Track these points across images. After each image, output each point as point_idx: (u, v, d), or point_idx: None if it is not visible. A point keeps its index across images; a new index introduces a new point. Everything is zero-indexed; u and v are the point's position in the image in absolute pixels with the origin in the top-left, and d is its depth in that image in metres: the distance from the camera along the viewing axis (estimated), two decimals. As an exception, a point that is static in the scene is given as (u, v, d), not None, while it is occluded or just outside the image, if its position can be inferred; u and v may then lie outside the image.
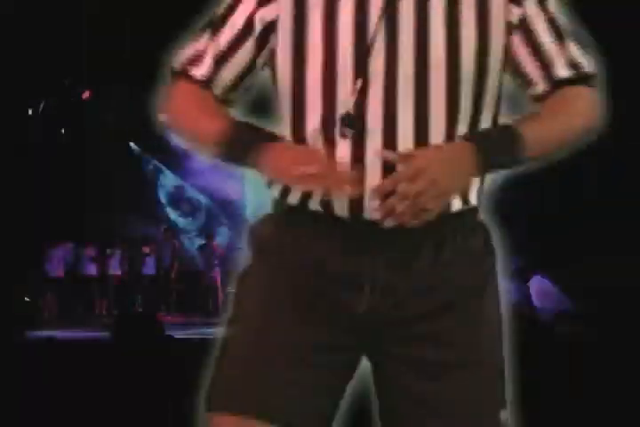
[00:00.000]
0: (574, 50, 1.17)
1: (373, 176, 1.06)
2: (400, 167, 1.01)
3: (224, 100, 1.21)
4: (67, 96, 9.73)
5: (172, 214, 12.16)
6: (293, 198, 1.14)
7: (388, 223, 1.05)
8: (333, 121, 1.07)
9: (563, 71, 1.15)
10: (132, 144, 12.03)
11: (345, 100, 1.06)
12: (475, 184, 1.14)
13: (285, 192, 1.15)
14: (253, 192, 11.37)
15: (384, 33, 1.07)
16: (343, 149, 1.08)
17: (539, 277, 8.98)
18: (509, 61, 1.13)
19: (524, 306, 8.98)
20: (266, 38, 1.14)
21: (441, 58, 1.07)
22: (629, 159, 8.16)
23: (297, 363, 1.11)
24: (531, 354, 4.09)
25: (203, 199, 12.10)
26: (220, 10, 1.18)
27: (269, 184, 1.19)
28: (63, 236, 10.18)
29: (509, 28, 1.11)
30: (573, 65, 1.15)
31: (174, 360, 4.52)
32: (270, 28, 1.13)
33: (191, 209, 12.17)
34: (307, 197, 1.12)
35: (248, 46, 1.16)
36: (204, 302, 10.69)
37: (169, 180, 12.19)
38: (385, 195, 1.00)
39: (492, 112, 1.14)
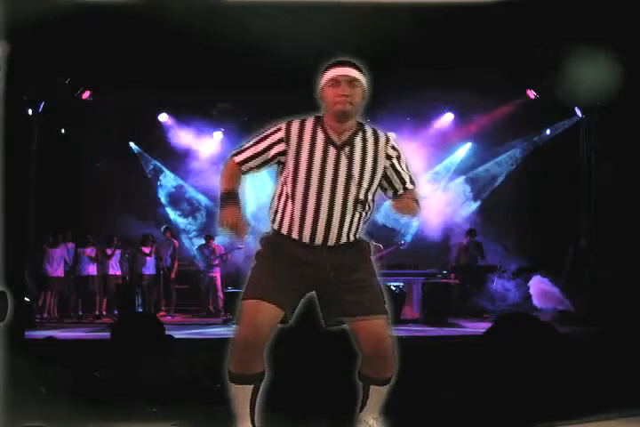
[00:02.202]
0: (412, 175, 2.87)
1: (321, 227, 2.71)
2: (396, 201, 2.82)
3: (245, 172, 2.90)
4: (67, 96, 9.73)
5: (172, 214, 12.16)
6: (284, 231, 2.78)
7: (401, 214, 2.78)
8: (307, 200, 2.73)
9: (410, 186, 2.86)
10: (131, 144, 12.03)
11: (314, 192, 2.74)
12: (361, 229, 2.82)
13: (280, 227, 2.79)
14: (253, 192, 11.38)
15: (333, 167, 2.72)
16: (311, 211, 2.73)
17: (539, 277, 8.99)
18: (383, 179, 2.82)
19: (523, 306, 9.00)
20: (276, 156, 2.80)
21: (356, 177, 2.72)
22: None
23: (284, 285, 2.71)
24: (531, 354, 4.09)
25: (203, 199, 12.09)
26: (258, 137, 2.85)
27: (272, 221, 2.84)
28: (63, 236, 10.17)
29: (385, 166, 2.80)
30: (413, 184, 2.87)
31: (174, 360, 4.52)
32: (282, 153, 2.78)
33: (191, 209, 12.17)
34: (289, 232, 2.76)
35: (261, 158, 2.84)
36: (203, 302, 10.69)
37: (169, 180, 12.18)
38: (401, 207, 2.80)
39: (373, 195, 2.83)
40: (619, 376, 4.11)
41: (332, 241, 2.73)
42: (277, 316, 2.68)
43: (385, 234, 10.89)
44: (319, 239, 2.72)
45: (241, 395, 2.72)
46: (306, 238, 2.73)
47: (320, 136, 2.74)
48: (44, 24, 6.07)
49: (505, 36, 7.49)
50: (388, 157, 2.79)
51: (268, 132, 2.81)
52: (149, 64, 8.35)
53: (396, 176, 2.82)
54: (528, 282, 9.06)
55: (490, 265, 10.21)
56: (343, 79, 2.71)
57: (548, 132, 11.13)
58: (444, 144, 11.48)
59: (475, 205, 11.51)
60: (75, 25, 6.67)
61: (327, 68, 2.79)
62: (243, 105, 10.66)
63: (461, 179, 11.71)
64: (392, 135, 2.84)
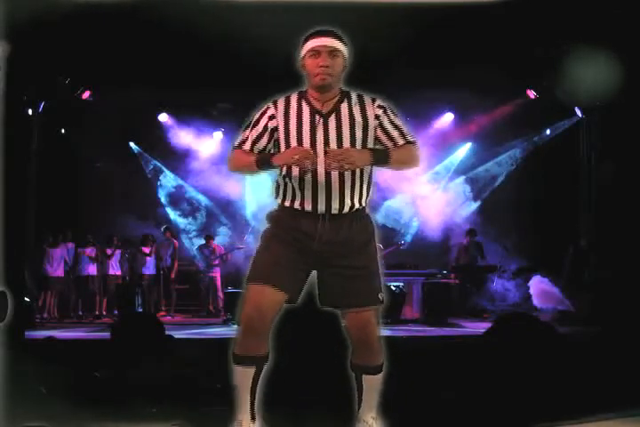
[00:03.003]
0: (403, 130, 2.84)
1: (321, 193, 2.73)
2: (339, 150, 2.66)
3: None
4: (67, 96, 9.73)
5: (172, 214, 12.16)
6: (287, 202, 2.81)
7: (330, 169, 2.65)
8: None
9: (401, 141, 2.83)
10: (131, 144, 12.03)
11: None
12: (365, 196, 2.80)
13: (283, 199, 2.82)
14: (253, 192, 11.38)
15: (322, 135, 2.73)
16: (309, 179, 2.72)
17: (539, 277, 8.99)
18: (376, 140, 2.81)
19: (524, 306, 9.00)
20: (273, 133, 2.80)
21: (347, 142, 2.74)
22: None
23: (288, 266, 2.72)
24: (531, 354, 4.09)
25: (203, 199, 12.09)
26: (251, 122, 2.84)
27: (276, 195, 2.85)
28: (63, 236, 10.17)
29: (375, 126, 2.79)
30: (405, 138, 2.83)
31: (174, 360, 4.52)
32: (275, 129, 2.79)
33: (191, 209, 12.17)
34: (292, 203, 2.78)
35: (266, 136, 2.82)
36: (203, 302, 10.69)
37: (169, 180, 12.18)
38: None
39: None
40: (618, 376, 4.10)
41: (335, 209, 2.73)
42: (282, 299, 2.71)
43: (385, 234, 10.89)
44: (321, 207, 2.72)
45: (243, 377, 2.73)
46: (308, 206, 2.73)
47: (305, 108, 2.76)
48: (44, 24, 6.07)
49: (505, 36, 7.49)
50: (376, 117, 2.78)
51: (259, 113, 2.83)
52: (149, 64, 8.35)
53: (384, 135, 2.80)
54: (528, 282, 9.07)
55: (490, 265, 10.21)
56: (324, 49, 2.71)
57: (548, 132, 11.13)
58: (444, 144, 11.47)
59: (475, 205, 11.51)
60: (75, 25, 6.67)
61: (307, 38, 2.77)
62: (243, 105, 10.63)
63: (461, 179, 11.71)
64: (378, 98, 2.84)
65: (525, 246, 10.18)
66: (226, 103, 11.02)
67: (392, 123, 2.82)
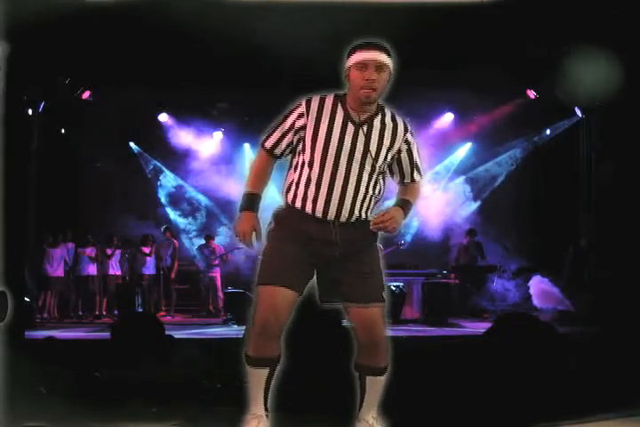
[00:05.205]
0: (419, 168, 2.93)
1: (334, 201, 2.73)
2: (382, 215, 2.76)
3: (277, 156, 2.88)
4: (67, 96, 9.73)
5: (172, 214, 12.16)
6: (297, 204, 2.78)
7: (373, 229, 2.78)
8: (322, 172, 2.74)
9: (417, 177, 2.94)
10: (131, 144, 12.04)
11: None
12: (372, 208, 2.84)
13: (294, 199, 2.79)
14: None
15: (350, 142, 2.73)
16: (326, 183, 2.74)
17: (539, 277, 8.99)
18: (395, 163, 2.88)
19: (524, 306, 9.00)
20: (299, 131, 2.78)
21: (373, 155, 2.75)
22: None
23: (296, 265, 2.74)
24: (531, 354, 4.09)
25: (203, 199, 12.09)
26: (280, 118, 2.82)
27: (286, 193, 2.83)
28: (63, 236, 10.17)
29: (396, 152, 2.84)
30: (418, 176, 2.93)
31: (174, 360, 4.52)
32: (302, 127, 2.77)
33: (191, 209, 12.17)
34: (303, 206, 2.76)
35: (290, 136, 2.81)
36: (203, 302, 10.70)
37: (169, 180, 12.18)
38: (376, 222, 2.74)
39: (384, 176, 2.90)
40: (618, 376, 4.11)
41: (344, 217, 2.74)
42: (295, 299, 2.72)
43: (385, 234, 10.89)
44: (332, 214, 2.73)
45: (257, 378, 2.75)
46: (319, 212, 2.73)
47: (340, 113, 2.74)
48: (45, 24, 6.07)
49: (505, 36, 7.49)
50: (406, 142, 2.82)
51: (289, 109, 2.81)
52: (149, 64, 8.35)
53: (408, 162, 2.86)
54: (528, 282, 9.06)
55: (490, 265, 10.21)
56: (372, 63, 2.69)
57: (548, 132, 11.13)
58: (444, 144, 11.48)
59: (475, 205, 11.52)
60: (75, 25, 6.68)
61: (355, 49, 2.74)
62: (243, 105, 10.66)
63: (461, 179, 11.71)
64: (408, 124, 2.87)
65: (525, 246, 10.18)
66: (226, 103, 11.02)
67: (412, 158, 2.87)
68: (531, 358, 4.03)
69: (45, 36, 6.90)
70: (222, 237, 11.41)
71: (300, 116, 2.76)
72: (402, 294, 8.92)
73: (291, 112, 2.80)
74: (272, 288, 2.70)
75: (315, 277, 2.81)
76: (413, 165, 2.89)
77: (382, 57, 2.72)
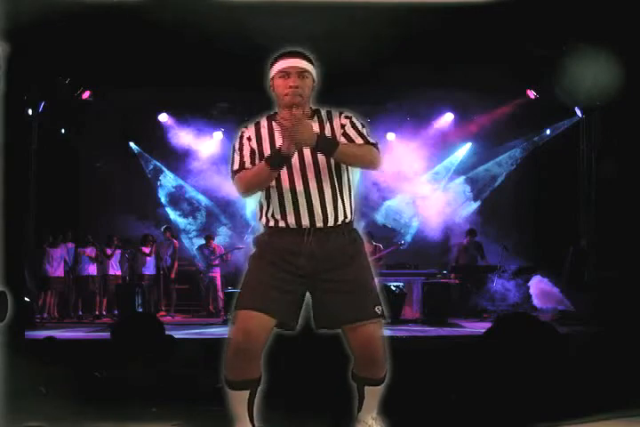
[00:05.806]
0: (365, 135, 2.79)
1: (302, 207, 2.74)
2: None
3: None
4: (67, 96, 9.73)
5: (172, 214, 12.16)
6: (271, 222, 2.79)
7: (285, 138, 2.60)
8: (281, 186, 2.75)
9: (360, 142, 2.78)
10: (131, 144, 12.04)
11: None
12: (349, 208, 2.80)
13: (267, 219, 2.80)
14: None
15: (297, 153, 2.70)
16: (288, 195, 2.74)
17: (539, 277, 8.99)
18: (343, 138, 2.77)
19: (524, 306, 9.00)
20: (254, 153, 2.79)
21: (321, 157, 2.73)
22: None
23: (276, 289, 2.69)
24: (531, 354, 4.09)
25: (203, 199, 12.09)
26: (237, 145, 2.83)
27: (260, 217, 2.85)
28: (63, 236, 10.17)
29: (340, 135, 2.77)
30: (364, 140, 2.78)
31: (174, 360, 4.52)
32: (253, 151, 2.79)
33: (191, 209, 12.17)
34: (276, 222, 2.77)
35: (256, 154, 2.79)
36: (203, 302, 10.69)
37: (169, 180, 12.18)
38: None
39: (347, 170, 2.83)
40: (619, 376, 4.11)
41: (319, 221, 2.72)
42: (270, 324, 2.67)
43: (385, 234, 10.90)
44: (305, 220, 2.72)
45: (237, 399, 2.72)
46: (292, 223, 2.73)
47: (277, 128, 2.71)
48: (45, 24, 6.07)
49: (505, 35, 7.49)
50: (342, 126, 2.79)
51: (237, 139, 2.85)
52: (149, 64, 8.36)
53: (355, 132, 2.79)
54: (528, 282, 9.06)
55: (490, 265, 10.21)
56: (293, 71, 2.72)
57: (548, 132, 11.13)
58: (444, 144, 11.48)
59: (475, 205, 11.51)
60: (75, 25, 6.68)
61: (277, 59, 2.78)
62: (242, 105, 10.65)
63: (461, 179, 11.71)
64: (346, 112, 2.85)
65: (525, 246, 10.17)
66: (226, 103, 11.02)
67: (355, 128, 2.80)
68: (531, 358, 4.03)
69: (45, 37, 6.91)
70: (222, 237, 11.42)
71: (249, 139, 2.80)
72: (402, 294, 8.92)
73: (240, 139, 2.82)
74: (246, 312, 2.66)
75: (311, 302, 2.78)
76: (359, 133, 2.79)
77: (303, 64, 2.75)
